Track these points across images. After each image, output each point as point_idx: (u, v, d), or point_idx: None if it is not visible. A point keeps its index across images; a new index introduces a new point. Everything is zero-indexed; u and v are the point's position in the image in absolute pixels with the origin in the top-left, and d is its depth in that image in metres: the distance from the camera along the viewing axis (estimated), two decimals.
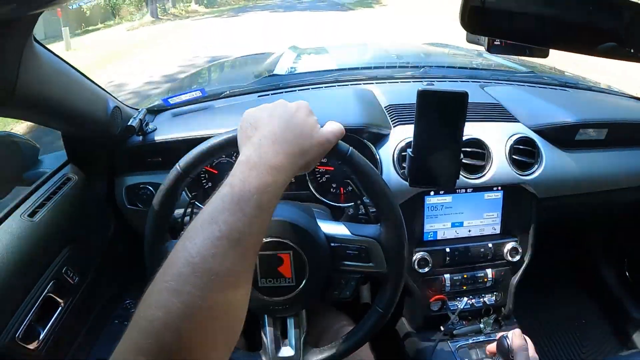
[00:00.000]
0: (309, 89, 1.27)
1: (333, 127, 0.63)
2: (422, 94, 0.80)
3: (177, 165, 0.73)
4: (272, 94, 1.24)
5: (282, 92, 1.25)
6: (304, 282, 0.76)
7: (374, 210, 0.84)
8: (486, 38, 0.76)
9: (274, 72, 1.44)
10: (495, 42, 0.77)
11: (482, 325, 1.17)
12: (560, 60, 1.45)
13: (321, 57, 1.91)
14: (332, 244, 0.78)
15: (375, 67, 1.40)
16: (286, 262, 0.75)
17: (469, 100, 1.20)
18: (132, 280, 1.29)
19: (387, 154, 1.06)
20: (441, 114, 0.81)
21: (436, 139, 0.83)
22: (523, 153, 1.13)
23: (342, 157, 0.69)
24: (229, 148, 0.72)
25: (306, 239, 0.75)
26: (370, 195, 0.75)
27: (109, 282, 1.21)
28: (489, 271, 1.15)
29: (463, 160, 1.07)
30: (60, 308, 0.91)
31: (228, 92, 1.27)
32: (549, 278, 1.67)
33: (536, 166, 1.14)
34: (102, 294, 1.18)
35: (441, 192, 1.10)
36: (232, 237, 0.45)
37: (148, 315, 0.41)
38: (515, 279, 1.17)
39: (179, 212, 0.87)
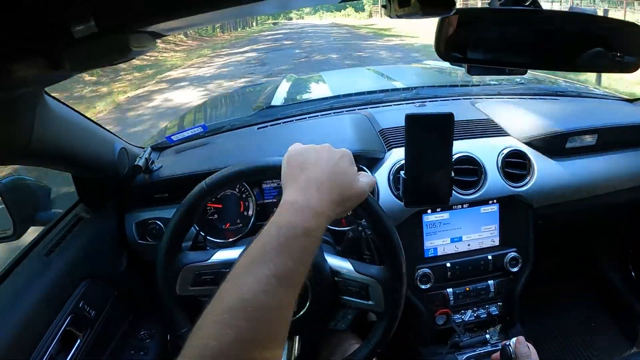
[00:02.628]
0: (305, 118, 1.32)
1: (369, 180, 0.66)
2: (409, 119, 0.85)
3: (203, 182, 0.77)
4: (270, 126, 1.29)
5: (280, 123, 1.30)
6: (303, 310, 0.79)
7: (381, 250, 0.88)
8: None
9: (272, 104, 1.49)
10: (475, 65, 0.82)
11: (488, 336, 1.19)
12: None
13: (317, 85, 1.96)
14: (336, 279, 0.81)
15: (369, 92, 1.45)
16: None
17: (460, 118, 1.26)
18: (146, 312, 1.32)
19: (382, 176, 1.10)
20: (429, 136, 0.86)
21: (427, 159, 0.88)
22: (515, 165, 1.17)
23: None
24: (255, 176, 0.76)
25: (313, 271, 0.78)
26: (379, 236, 0.78)
27: (124, 314, 1.24)
28: (491, 282, 1.17)
29: (457, 177, 1.11)
30: (78, 341, 0.95)
31: (228, 126, 1.32)
32: (554, 284, 1.68)
33: (529, 177, 1.18)
34: (118, 326, 1.21)
35: (438, 209, 1.13)
36: (281, 275, 0.48)
37: (202, 345, 0.44)
38: (518, 288, 1.20)
39: (186, 244, 0.92)
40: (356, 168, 0.65)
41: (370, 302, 0.80)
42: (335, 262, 0.82)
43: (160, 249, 0.80)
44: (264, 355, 0.46)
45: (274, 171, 0.69)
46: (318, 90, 1.88)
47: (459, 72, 1.79)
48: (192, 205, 0.79)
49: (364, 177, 0.66)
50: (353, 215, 1.01)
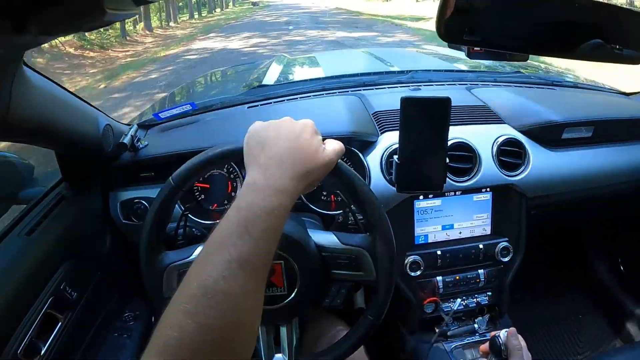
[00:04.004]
0: (297, 98, 1.29)
1: (335, 147, 0.64)
2: (405, 101, 0.82)
3: (170, 178, 0.75)
4: (261, 105, 1.26)
5: (270, 103, 1.27)
6: (295, 291, 0.77)
7: (362, 218, 0.86)
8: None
9: (263, 83, 1.46)
10: (475, 49, 0.79)
11: (476, 325, 1.18)
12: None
13: (309, 65, 1.92)
14: (323, 254, 0.79)
15: (362, 74, 1.42)
16: (278, 271, 0.77)
17: (456, 104, 1.22)
18: (131, 294, 1.30)
19: (374, 160, 1.08)
20: (425, 120, 0.84)
21: (421, 144, 0.85)
22: (510, 154, 1.15)
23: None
24: (220, 162, 0.73)
25: (297, 249, 0.77)
26: (358, 205, 0.76)
27: (108, 296, 1.22)
28: (481, 272, 1.16)
29: (451, 164, 1.09)
30: (60, 324, 0.92)
31: (218, 105, 1.29)
32: (543, 275, 1.68)
33: (523, 166, 1.16)
34: (101, 308, 1.19)
35: (430, 195, 1.11)
36: (242, 259, 0.47)
37: (164, 335, 0.43)
38: (507, 278, 1.19)
39: (172, 224, 0.89)
40: (320, 137, 0.62)
41: (360, 273, 0.78)
42: (320, 237, 0.80)
43: (141, 253, 0.78)
44: (230, 344, 0.45)
45: (237, 155, 0.66)
46: (311, 71, 1.84)
47: (456, 58, 1.76)
48: (163, 204, 0.76)
49: (330, 145, 0.64)
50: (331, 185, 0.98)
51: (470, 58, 0.81)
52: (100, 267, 1.14)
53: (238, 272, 0.46)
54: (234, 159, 0.70)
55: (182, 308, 0.44)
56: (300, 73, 1.84)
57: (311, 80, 1.39)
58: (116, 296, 1.27)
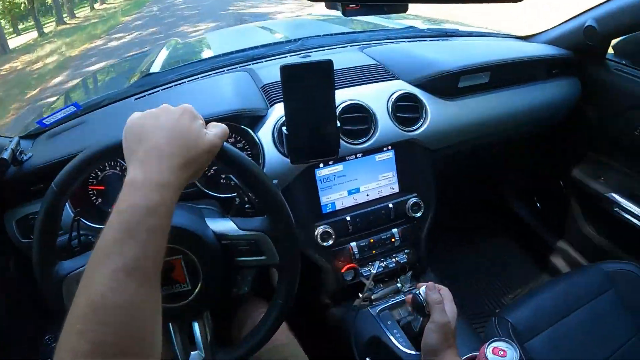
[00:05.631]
0: (184, 82, 1.23)
1: (217, 130, 0.61)
2: (284, 69, 0.78)
3: (52, 184, 0.69)
4: (148, 95, 1.19)
5: (157, 91, 1.20)
6: (199, 284, 0.74)
7: (258, 200, 0.83)
8: (340, 3, 0.75)
9: (150, 72, 1.39)
10: (351, 5, 0.76)
11: (399, 285, 1.18)
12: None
13: (199, 47, 1.86)
14: (223, 242, 0.76)
15: (250, 49, 1.37)
16: (178, 267, 0.73)
17: (347, 65, 1.21)
18: (49, 315, 1.23)
19: (266, 135, 1.04)
20: (308, 86, 0.80)
21: (308, 111, 0.82)
22: (407, 109, 1.14)
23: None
24: (101, 160, 0.69)
25: (195, 241, 0.73)
26: (250, 187, 0.73)
27: (25, 322, 1.15)
28: (395, 231, 1.15)
29: (346, 127, 1.07)
30: None
31: (105, 101, 1.21)
32: (463, 223, 1.71)
33: (422, 120, 1.15)
34: (21, 335, 1.11)
35: (330, 162, 1.09)
36: (128, 267, 0.44)
37: None
38: (423, 233, 1.19)
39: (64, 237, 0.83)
40: (202, 121, 0.59)
41: (263, 257, 0.76)
42: (218, 225, 0.77)
43: (35, 267, 0.72)
44: (130, 358, 0.42)
45: (116, 150, 0.62)
46: (201, 52, 1.78)
47: (348, 20, 1.74)
48: (48, 212, 0.70)
49: (213, 129, 0.61)
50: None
51: (346, 16, 0.78)
52: (8, 293, 1.06)
53: (126, 281, 0.44)
54: (115, 155, 0.65)
55: (75, 329, 0.41)
56: (190, 56, 1.77)
57: (199, 61, 1.33)
58: (33, 321, 1.19)
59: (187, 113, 0.58)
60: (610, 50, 1.39)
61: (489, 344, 0.77)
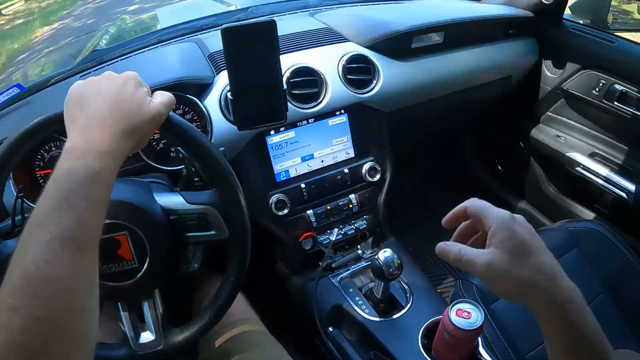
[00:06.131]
0: (131, 56, 1.18)
1: (162, 98, 0.58)
2: (225, 32, 0.74)
3: None
4: (94, 71, 1.14)
5: (104, 66, 1.15)
6: (147, 262, 0.71)
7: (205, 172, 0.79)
8: None
9: (96, 48, 1.33)
10: None
11: (360, 251, 1.16)
12: None
13: (149, 23, 1.81)
14: (171, 217, 0.73)
15: (199, 19, 1.32)
16: (124, 243, 0.70)
17: (297, 30, 1.16)
18: None
19: (213, 103, 1.00)
20: (251, 49, 0.76)
21: (252, 75, 0.78)
22: (358, 71, 1.11)
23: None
24: (41, 132, 0.65)
25: (142, 217, 0.70)
26: (197, 159, 0.70)
27: None
28: (352, 197, 1.14)
29: (295, 91, 1.04)
30: None
31: (51, 81, 1.15)
32: (423, 187, 1.70)
33: (374, 82, 1.13)
34: None
35: (282, 129, 1.06)
36: (64, 237, 0.42)
37: None
38: (381, 197, 1.18)
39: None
40: (146, 89, 0.57)
41: (212, 232, 0.74)
42: (165, 200, 0.74)
43: None
44: (66, 333, 0.40)
45: (58, 121, 0.59)
46: (150, 27, 1.72)
47: None
48: None
49: (158, 97, 0.58)
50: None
51: None
52: None
53: (61, 251, 0.41)
54: (57, 127, 0.61)
55: (6, 304, 0.38)
56: (138, 32, 1.71)
57: (146, 35, 1.28)
58: None
59: (130, 80, 0.56)
60: (567, 11, 1.38)
61: (452, 306, 0.76)
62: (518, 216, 0.52)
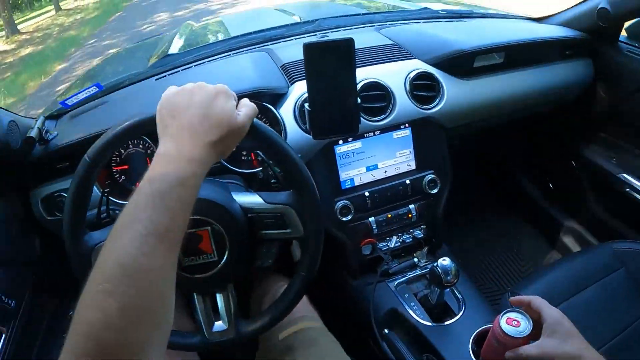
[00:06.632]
0: (204, 62, 1.25)
1: (247, 111, 0.62)
2: (307, 47, 0.81)
3: (85, 156, 0.72)
4: (168, 75, 1.22)
5: (177, 71, 1.23)
6: (225, 256, 0.77)
7: (284, 175, 0.85)
8: None
9: (169, 53, 1.41)
10: None
11: (416, 260, 1.21)
12: None
13: (216, 29, 1.88)
14: (249, 215, 0.78)
15: (268, 29, 1.39)
16: (205, 238, 0.76)
17: (365, 45, 1.23)
18: (72, 290, 1.26)
19: (288, 112, 1.07)
20: (330, 64, 0.83)
21: (330, 88, 0.85)
22: (424, 88, 1.16)
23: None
24: (134, 133, 0.71)
25: (223, 213, 0.76)
26: (278, 162, 0.76)
27: (49, 297, 1.18)
28: (412, 207, 1.18)
29: (365, 104, 1.09)
30: (4, 336, 0.89)
31: (126, 82, 1.24)
32: (476, 201, 1.73)
33: (438, 98, 1.18)
34: (45, 311, 1.15)
35: (350, 139, 1.12)
36: (158, 232, 0.46)
37: (87, 318, 0.41)
38: (439, 209, 1.22)
39: (94, 211, 0.86)
40: (234, 102, 0.61)
41: (288, 230, 0.79)
42: (245, 198, 0.80)
43: (65, 237, 0.75)
44: (153, 319, 0.45)
45: (150, 124, 0.64)
46: (218, 33, 1.80)
47: (364, 2, 1.76)
48: (81, 182, 0.73)
49: (243, 109, 0.63)
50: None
51: None
52: (34, 270, 1.10)
53: (156, 246, 0.46)
54: (148, 129, 0.68)
55: (102, 288, 0.42)
56: (207, 38, 1.79)
57: (217, 42, 1.36)
58: (58, 296, 1.23)
59: (221, 93, 0.60)
60: (623, 33, 1.40)
61: (503, 314, 0.80)
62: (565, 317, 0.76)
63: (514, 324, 0.78)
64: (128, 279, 0.43)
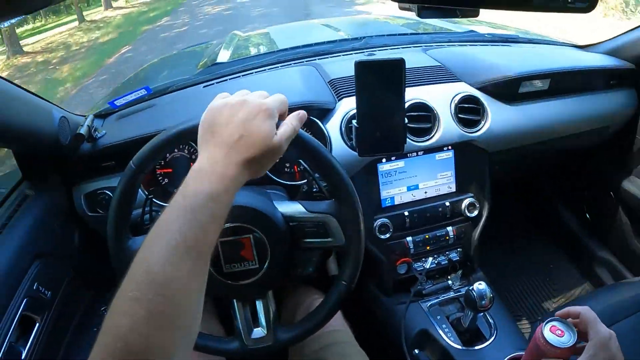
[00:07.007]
0: (252, 73, 1.28)
1: (286, 132, 0.62)
2: (359, 65, 0.83)
3: (130, 162, 0.74)
4: (217, 83, 1.25)
5: (226, 80, 1.26)
6: (266, 263, 0.79)
7: (327, 185, 0.86)
8: (416, 5, 0.78)
9: (217, 61, 1.45)
10: (426, 7, 0.80)
11: (450, 282, 1.20)
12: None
13: (263, 40, 1.92)
14: (291, 223, 0.80)
15: (316, 44, 1.42)
16: (247, 245, 0.78)
17: (412, 66, 1.24)
18: (106, 287, 1.29)
19: (334, 127, 1.09)
20: (380, 82, 0.84)
21: (378, 107, 0.86)
22: (468, 111, 1.17)
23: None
24: (178, 142, 0.74)
25: (265, 222, 0.77)
26: (321, 172, 0.77)
27: (83, 292, 1.21)
28: (450, 229, 1.18)
29: (410, 125, 1.11)
30: (37, 325, 0.92)
31: (174, 87, 1.27)
32: (511, 228, 1.71)
33: (482, 122, 1.18)
34: (78, 305, 1.18)
35: (393, 158, 1.13)
36: (188, 244, 0.48)
37: (115, 322, 0.43)
38: (476, 233, 1.21)
39: (138, 211, 0.89)
40: (275, 122, 0.60)
41: (329, 239, 0.80)
42: (286, 208, 0.81)
43: (109, 240, 0.78)
44: (179, 327, 0.46)
45: (194, 133, 0.65)
46: (264, 45, 1.84)
47: (411, 23, 1.77)
48: (126, 188, 0.76)
49: (282, 128, 0.62)
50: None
51: (421, 17, 0.81)
52: (72, 264, 1.13)
53: (184, 257, 0.47)
54: (192, 137, 0.71)
55: (131, 295, 0.44)
56: (254, 48, 1.84)
57: (265, 54, 1.39)
58: (91, 292, 1.26)
59: (262, 112, 0.59)
60: None
61: (547, 322, 0.77)
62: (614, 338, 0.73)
63: (557, 333, 0.75)
64: (155, 287, 0.45)
